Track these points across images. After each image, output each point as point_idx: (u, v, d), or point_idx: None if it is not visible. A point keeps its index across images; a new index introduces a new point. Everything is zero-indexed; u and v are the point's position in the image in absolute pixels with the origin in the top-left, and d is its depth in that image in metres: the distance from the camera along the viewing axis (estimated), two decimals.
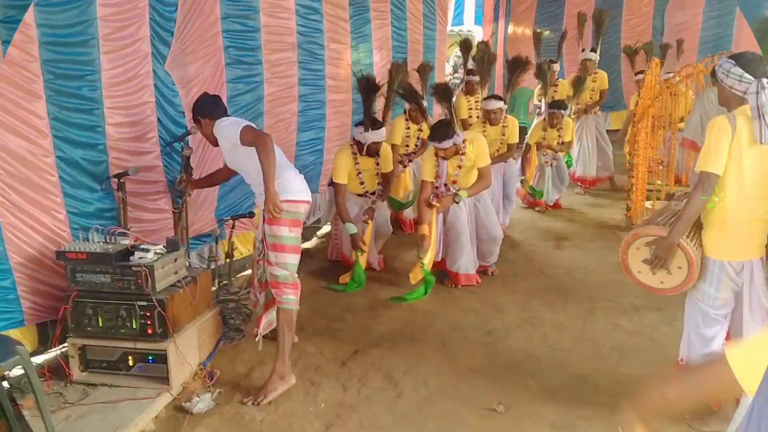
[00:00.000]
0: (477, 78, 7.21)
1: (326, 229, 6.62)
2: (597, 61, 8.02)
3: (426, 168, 4.80)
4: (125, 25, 3.73)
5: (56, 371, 3.32)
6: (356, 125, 5.04)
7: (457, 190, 4.74)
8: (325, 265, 5.45)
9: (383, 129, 5.02)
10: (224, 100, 4.56)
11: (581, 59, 7.98)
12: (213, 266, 4.35)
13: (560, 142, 7.12)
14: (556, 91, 7.84)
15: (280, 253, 3.28)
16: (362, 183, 5.19)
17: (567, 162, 7.74)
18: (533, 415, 3.08)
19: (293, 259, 3.32)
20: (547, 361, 3.67)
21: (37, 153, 3.30)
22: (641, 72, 8.40)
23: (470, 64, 7.69)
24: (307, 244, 6.16)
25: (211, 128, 3.49)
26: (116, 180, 3.63)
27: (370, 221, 5.04)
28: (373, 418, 3.09)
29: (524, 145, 7.38)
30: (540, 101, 7.69)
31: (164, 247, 3.35)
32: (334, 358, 3.72)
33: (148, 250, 3.22)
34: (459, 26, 11.86)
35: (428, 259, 4.55)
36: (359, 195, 5.26)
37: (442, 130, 4.59)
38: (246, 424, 3.04)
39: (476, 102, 7.33)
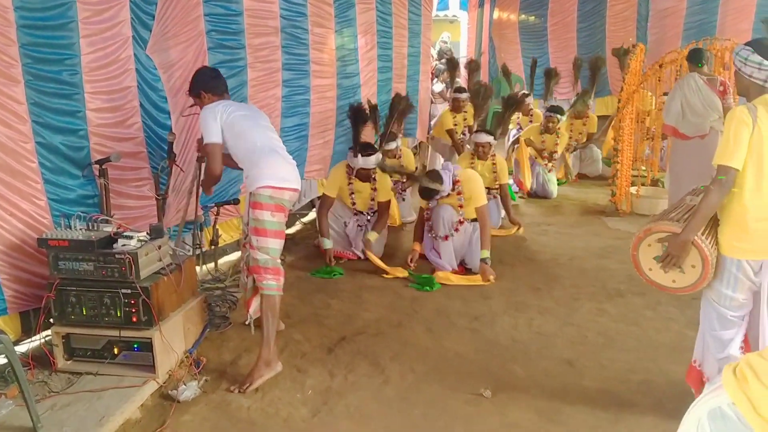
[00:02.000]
0: (464, 95, 7.23)
1: (312, 216, 6.61)
2: (592, 106, 8.51)
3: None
4: (105, 8, 3.65)
5: (40, 360, 3.28)
6: (350, 148, 5.14)
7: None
8: (310, 252, 5.44)
9: (374, 156, 5.00)
10: None
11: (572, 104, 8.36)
12: (198, 252, 4.32)
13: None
14: (531, 121, 8.08)
15: (262, 237, 3.25)
16: (354, 203, 5.26)
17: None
18: (519, 400, 3.10)
19: (275, 244, 3.28)
20: (533, 347, 3.69)
21: (17, 139, 3.23)
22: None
23: (457, 82, 7.84)
24: (291, 230, 6.14)
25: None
26: (98, 166, 3.57)
27: (370, 252, 5.07)
28: (360, 404, 3.09)
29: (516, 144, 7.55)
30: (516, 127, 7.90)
31: (148, 234, 3.31)
32: (320, 345, 3.72)
33: (131, 237, 3.17)
34: (444, 11, 11.81)
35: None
36: (358, 212, 5.32)
37: (427, 193, 4.76)
38: (233, 411, 3.03)
39: (463, 120, 7.36)
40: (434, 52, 11.27)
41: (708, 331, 2.78)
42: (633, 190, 6.87)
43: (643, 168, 7.46)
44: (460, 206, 4.89)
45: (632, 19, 10.83)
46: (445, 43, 11.63)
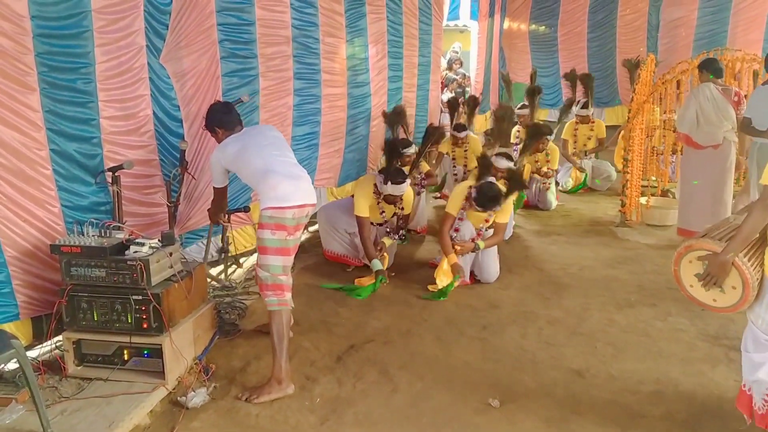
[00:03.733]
0: (462, 134, 7.24)
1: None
2: (591, 114, 8.36)
3: (453, 203, 4.89)
4: (120, 17, 3.70)
5: (51, 365, 3.31)
6: (380, 172, 5.08)
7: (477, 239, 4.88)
8: (320, 260, 5.45)
9: (404, 184, 4.95)
10: (219, 94, 4.57)
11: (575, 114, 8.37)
12: (221, 258, 4.35)
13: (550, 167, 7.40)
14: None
15: (263, 255, 3.28)
16: (383, 212, 5.23)
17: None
18: (528, 410, 3.09)
19: (275, 261, 3.26)
20: (542, 356, 3.68)
21: (31, 146, 3.27)
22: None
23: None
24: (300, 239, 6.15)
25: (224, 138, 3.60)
26: (111, 173, 3.61)
27: (386, 254, 5.07)
28: (368, 412, 3.09)
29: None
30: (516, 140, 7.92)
31: (159, 241, 3.33)
32: (329, 353, 3.72)
33: (143, 244, 3.20)
34: (455, 20, 11.82)
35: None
36: (378, 224, 5.31)
37: (495, 200, 4.66)
38: (241, 418, 3.04)
39: (463, 154, 7.35)
40: (444, 62, 11.28)
41: (743, 351, 2.67)
42: (643, 200, 6.84)
43: (653, 178, 7.43)
44: (487, 221, 4.93)
45: (643, 29, 10.84)
46: (456, 53, 11.64)
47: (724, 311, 2.66)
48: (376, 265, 4.87)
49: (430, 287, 4.75)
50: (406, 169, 5.19)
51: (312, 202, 3.40)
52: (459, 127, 7.31)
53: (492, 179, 4.89)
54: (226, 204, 3.93)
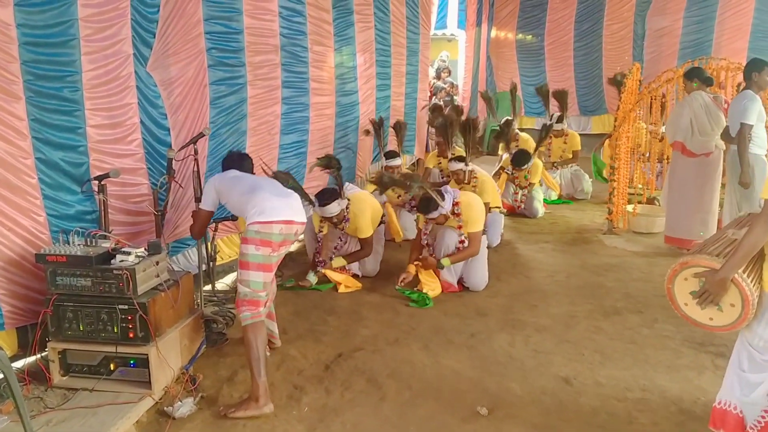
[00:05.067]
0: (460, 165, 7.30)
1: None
2: (565, 128, 8.61)
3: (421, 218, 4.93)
4: (107, 26, 3.69)
5: (36, 376, 3.27)
6: (314, 197, 4.94)
7: (441, 258, 4.84)
8: (307, 268, 5.42)
9: (331, 205, 4.82)
10: (207, 102, 4.57)
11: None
12: (204, 268, 4.33)
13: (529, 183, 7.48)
14: (517, 146, 8.24)
15: (244, 270, 3.25)
16: (320, 231, 5.18)
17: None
18: (516, 418, 3.10)
19: (256, 276, 3.24)
20: (530, 364, 3.69)
21: (17, 155, 3.25)
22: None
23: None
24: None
25: None
26: (97, 182, 3.59)
27: (328, 269, 5.08)
28: (356, 421, 3.08)
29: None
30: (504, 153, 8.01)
31: (146, 250, 3.32)
32: (317, 362, 3.71)
33: (129, 253, 3.18)
34: (442, 29, 11.90)
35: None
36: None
37: (425, 205, 4.73)
38: (228, 428, 3.02)
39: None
40: (432, 71, 11.34)
41: (735, 370, 2.54)
42: (629, 208, 6.89)
43: (640, 186, 7.49)
44: (460, 227, 4.86)
45: (628, 38, 10.95)
46: (444, 61, 11.71)
47: (721, 330, 2.52)
48: (311, 278, 5.04)
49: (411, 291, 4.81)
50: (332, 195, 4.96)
51: (301, 220, 3.39)
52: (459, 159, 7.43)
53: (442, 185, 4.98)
54: (199, 236, 3.93)
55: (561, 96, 8.57)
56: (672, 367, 3.62)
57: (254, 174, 3.90)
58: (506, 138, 7.89)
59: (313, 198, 4.89)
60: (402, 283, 4.86)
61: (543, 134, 7.84)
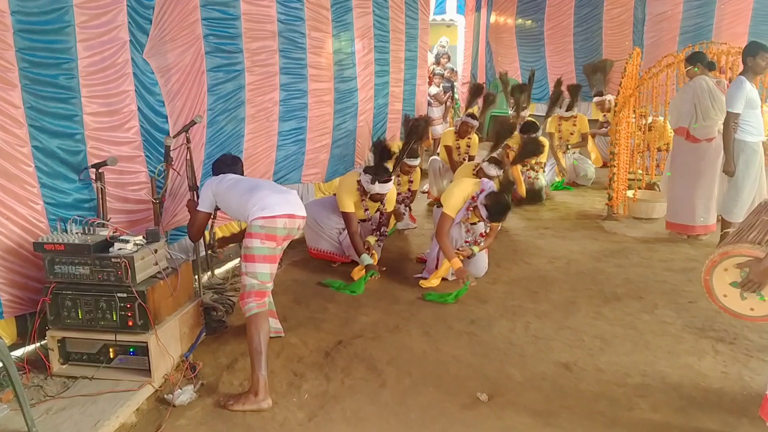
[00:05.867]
0: (474, 122, 7.25)
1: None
2: (572, 115, 8.54)
3: (453, 204, 4.80)
4: (102, 12, 3.65)
5: (36, 364, 3.27)
6: (365, 171, 5.02)
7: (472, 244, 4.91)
8: (306, 256, 5.43)
9: (390, 183, 5.00)
10: (204, 89, 4.53)
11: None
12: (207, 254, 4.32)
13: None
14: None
15: (250, 263, 3.23)
16: (366, 210, 5.22)
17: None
18: (516, 404, 3.10)
19: (263, 268, 3.24)
20: (530, 350, 3.69)
21: (13, 143, 3.23)
22: (599, 94, 8.85)
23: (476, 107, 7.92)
24: None
25: None
26: (95, 170, 3.57)
27: (374, 252, 5.09)
28: (356, 408, 3.09)
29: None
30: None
31: (144, 237, 3.30)
32: (317, 349, 3.71)
33: (127, 241, 3.17)
34: (441, 15, 11.83)
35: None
36: (361, 220, 5.28)
37: (503, 214, 4.68)
38: (229, 415, 3.02)
39: (467, 146, 7.37)
40: (431, 56, 11.27)
41: None
42: (630, 193, 6.87)
43: (640, 171, 7.46)
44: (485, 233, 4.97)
45: (629, 23, 10.87)
46: (443, 47, 11.64)
47: (764, 320, 2.51)
48: (366, 259, 4.89)
49: (422, 284, 4.75)
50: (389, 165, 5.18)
51: (302, 214, 3.39)
52: (472, 116, 7.42)
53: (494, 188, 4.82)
54: (197, 238, 3.85)
55: (574, 90, 8.57)
56: (672, 352, 3.62)
57: (245, 176, 3.90)
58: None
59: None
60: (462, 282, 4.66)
61: (549, 111, 7.87)
